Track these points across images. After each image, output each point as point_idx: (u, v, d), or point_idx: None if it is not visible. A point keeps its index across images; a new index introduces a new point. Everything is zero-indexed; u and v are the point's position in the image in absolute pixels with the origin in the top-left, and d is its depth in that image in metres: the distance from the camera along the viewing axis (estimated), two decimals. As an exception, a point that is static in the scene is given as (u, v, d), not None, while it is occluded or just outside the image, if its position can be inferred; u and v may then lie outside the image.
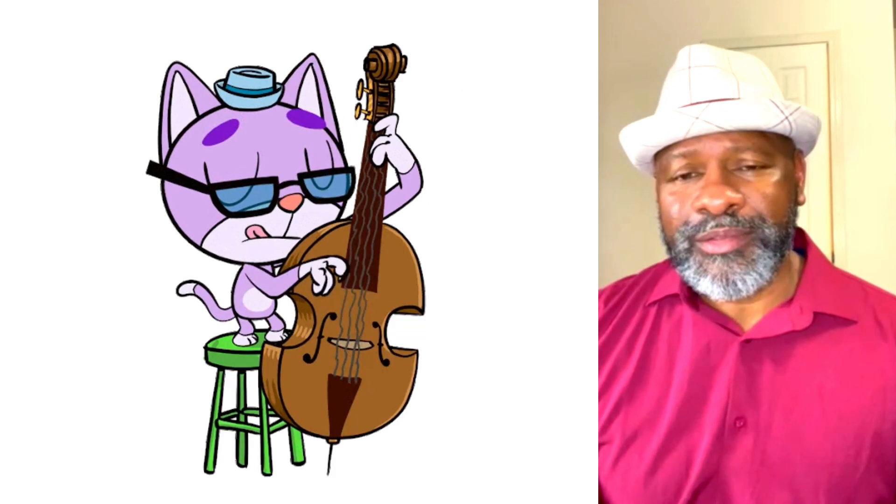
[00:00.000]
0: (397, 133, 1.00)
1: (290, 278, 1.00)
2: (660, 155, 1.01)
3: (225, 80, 0.98)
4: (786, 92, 3.06)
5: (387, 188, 1.02)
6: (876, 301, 1.00)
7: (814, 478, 0.92)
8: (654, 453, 0.98)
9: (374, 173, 1.00)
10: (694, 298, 1.02)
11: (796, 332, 0.96)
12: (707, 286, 0.96)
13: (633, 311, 1.09)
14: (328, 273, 1.00)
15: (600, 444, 1.02)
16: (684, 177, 0.97)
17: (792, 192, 0.98)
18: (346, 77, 0.99)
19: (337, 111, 1.00)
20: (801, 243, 1.05)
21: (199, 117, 0.98)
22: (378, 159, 1.00)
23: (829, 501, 0.91)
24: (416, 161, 1.00)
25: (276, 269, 1.01)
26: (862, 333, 0.96)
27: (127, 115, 0.94)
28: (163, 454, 0.95)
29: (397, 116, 0.99)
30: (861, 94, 2.97)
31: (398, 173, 1.01)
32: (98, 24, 0.93)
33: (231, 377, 1.02)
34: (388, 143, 1.00)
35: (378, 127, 1.00)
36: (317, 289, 1.00)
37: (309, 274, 0.99)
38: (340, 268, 1.00)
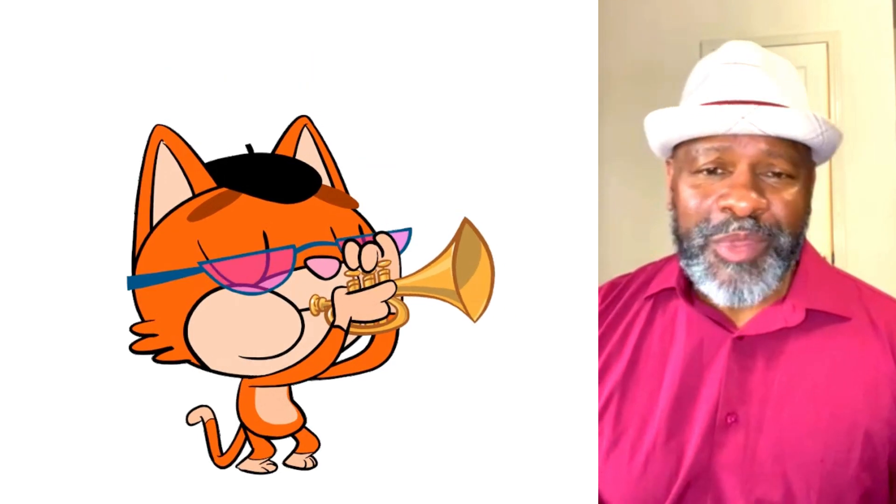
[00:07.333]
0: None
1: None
2: (684, 144, 1.01)
3: None
4: (785, 92, 3.08)
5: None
6: (869, 299, 1.01)
7: (805, 474, 0.93)
8: (645, 448, 0.99)
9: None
10: (689, 293, 1.03)
11: (789, 328, 0.97)
12: (712, 289, 0.97)
13: (629, 306, 1.10)
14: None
15: (593, 439, 1.03)
16: (710, 171, 0.97)
17: (808, 204, 1.00)
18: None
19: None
20: (796, 241, 1.06)
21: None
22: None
23: (820, 497, 0.92)
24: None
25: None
26: (855, 330, 0.98)
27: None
28: (162, 454, 0.95)
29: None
30: (861, 94, 2.97)
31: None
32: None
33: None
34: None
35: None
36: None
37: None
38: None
